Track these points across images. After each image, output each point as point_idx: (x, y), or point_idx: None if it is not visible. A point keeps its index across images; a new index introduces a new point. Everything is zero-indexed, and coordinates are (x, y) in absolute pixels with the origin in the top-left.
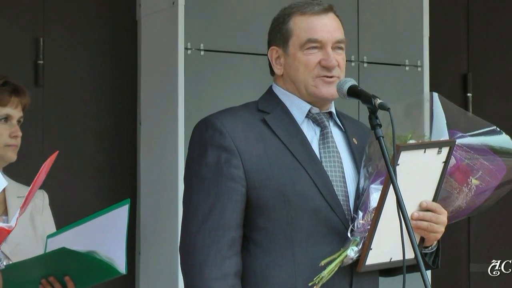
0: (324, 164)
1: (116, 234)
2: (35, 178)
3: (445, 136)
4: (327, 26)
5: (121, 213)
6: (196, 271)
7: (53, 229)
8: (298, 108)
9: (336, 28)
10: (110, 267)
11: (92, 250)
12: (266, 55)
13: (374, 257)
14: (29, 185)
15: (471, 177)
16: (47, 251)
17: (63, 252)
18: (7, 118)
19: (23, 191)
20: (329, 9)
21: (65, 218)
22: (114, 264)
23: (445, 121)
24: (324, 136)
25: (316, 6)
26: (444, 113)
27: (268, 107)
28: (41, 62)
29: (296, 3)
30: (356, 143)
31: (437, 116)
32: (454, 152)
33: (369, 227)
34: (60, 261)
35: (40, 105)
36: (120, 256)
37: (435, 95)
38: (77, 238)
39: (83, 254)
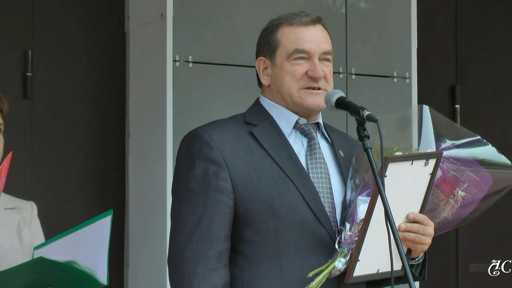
0: (311, 175)
1: (98, 245)
2: None
3: (433, 148)
4: (314, 37)
5: (104, 223)
6: (184, 283)
7: (42, 241)
8: (285, 120)
9: (324, 39)
10: (91, 278)
11: (72, 260)
12: (254, 67)
13: (362, 269)
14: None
15: (457, 189)
16: None
17: (41, 262)
18: None
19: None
20: (317, 20)
21: (53, 229)
22: (95, 274)
23: (433, 133)
24: (312, 148)
25: (304, 17)
26: (432, 124)
27: (256, 119)
28: (29, 74)
29: (284, 15)
30: (342, 155)
31: (425, 127)
32: (440, 164)
33: (356, 238)
34: (40, 271)
35: (28, 117)
36: (102, 267)
37: (425, 107)
38: (62, 249)
39: (62, 264)
